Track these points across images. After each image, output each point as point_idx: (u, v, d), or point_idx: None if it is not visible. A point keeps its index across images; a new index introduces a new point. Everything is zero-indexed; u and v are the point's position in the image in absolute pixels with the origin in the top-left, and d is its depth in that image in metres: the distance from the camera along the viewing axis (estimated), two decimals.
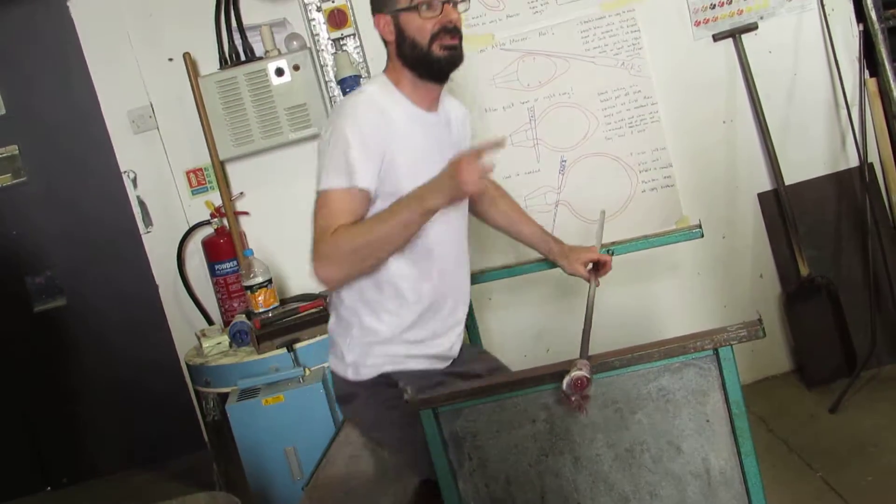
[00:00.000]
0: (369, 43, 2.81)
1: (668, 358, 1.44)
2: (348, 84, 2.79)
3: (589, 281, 1.95)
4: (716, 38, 2.84)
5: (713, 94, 2.86)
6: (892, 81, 2.79)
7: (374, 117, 1.66)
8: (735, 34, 2.82)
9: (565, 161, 2.86)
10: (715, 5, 2.84)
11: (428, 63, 1.72)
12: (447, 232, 1.78)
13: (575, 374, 1.38)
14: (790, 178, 2.83)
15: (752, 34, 2.83)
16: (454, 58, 1.73)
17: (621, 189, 2.86)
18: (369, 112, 1.67)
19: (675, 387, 1.45)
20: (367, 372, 1.76)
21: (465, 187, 1.56)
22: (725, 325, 1.42)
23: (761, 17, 2.83)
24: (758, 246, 2.91)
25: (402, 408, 1.53)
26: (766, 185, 2.87)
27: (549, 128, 2.85)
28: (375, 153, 1.65)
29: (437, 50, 1.70)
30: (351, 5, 2.80)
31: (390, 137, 1.67)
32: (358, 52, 2.82)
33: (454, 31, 1.71)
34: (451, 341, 1.81)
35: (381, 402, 1.77)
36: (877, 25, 2.80)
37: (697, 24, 2.86)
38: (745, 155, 2.86)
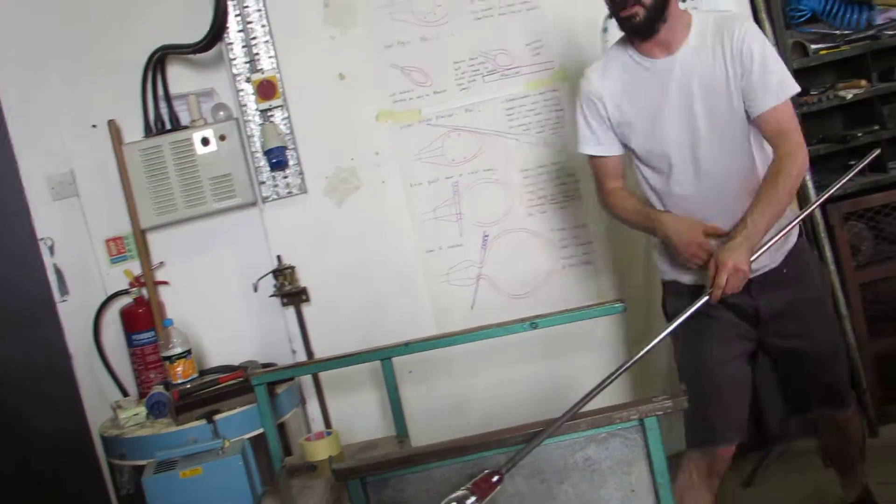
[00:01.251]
0: (297, 114, 3.24)
1: (594, 428, 1.69)
2: (275, 155, 3.22)
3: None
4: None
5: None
6: None
7: None
8: None
9: (487, 236, 3.31)
10: None
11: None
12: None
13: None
14: None
15: None
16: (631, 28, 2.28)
17: (541, 265, 3.31)
18: None
19: (601, 457, 1.70)
20: None
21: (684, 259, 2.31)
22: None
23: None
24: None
25: None
26: None
27: (473, 203, 3.29)
28: None
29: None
30: (280, 77, 3.24)
31: None
32: (285, 124, 3.25)
33: (622, 4, 2.24)
34: None
35: None
36: None
37: None
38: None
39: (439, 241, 3.31)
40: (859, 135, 3.45)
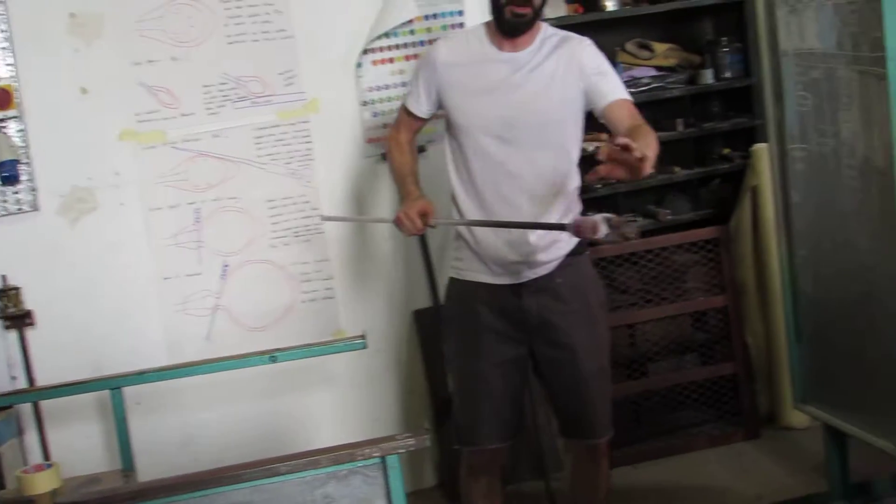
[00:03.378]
0: (34, 127, 3.79)
1: (335, 465, 1.99)
2: (6, 169, 3.81)
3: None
4: (385, 156, 4.20)
5: (379, 211, 4.21)
6: None
7: None
8: None
9: (228, 266, 4.04)
10: (387, 125, 4.20)
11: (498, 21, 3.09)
12: None
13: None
14: None
15: (421, 155, 4.22)
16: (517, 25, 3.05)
17: (282, 298, 4.06)
18: None
19: (340, 494, 1.97)
20: None
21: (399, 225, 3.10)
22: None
23: (430, 141, 4.23)
24: (412, 362, 4.22)
25: None
26: (423, 302, 4.25)
27: (215, 231, 3.98)
28: None
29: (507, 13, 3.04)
30: (18, 86, 3.82)
31: None
32: (21, 137, 3.83)
33: (523, 2, 3.00)
34: None
35: None
36: None
37: (369, 140, 4.21)
38: (404, 272, 4.20)
39: (177, 268, 3.98)
40: (598, 187, 4.49)
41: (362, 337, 3.41)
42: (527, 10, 3.07)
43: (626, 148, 2.60)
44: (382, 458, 2.06)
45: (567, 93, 3.13)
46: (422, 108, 3.32)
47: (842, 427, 3.73)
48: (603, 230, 2.75)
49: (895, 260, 3.22)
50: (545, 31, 3.20)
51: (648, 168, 2.66)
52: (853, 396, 3.65)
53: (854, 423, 3.66)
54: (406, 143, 3.41)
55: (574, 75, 3.12)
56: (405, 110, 3.38)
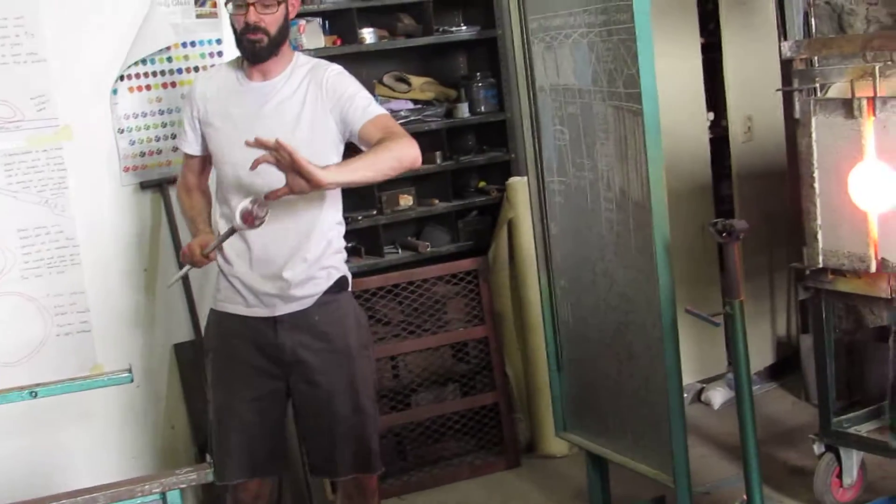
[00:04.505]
0: None
1: (114, 502, 2.15)
2: None
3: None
4: (143, 185, 4.59)
5: (139, 241, 4.58)
6: None
7: None
8: (163, 183, 4.59)
9: None
10: (144, 153, 4.59)
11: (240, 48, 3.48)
12: None
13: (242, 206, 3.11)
14: None
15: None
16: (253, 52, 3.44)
17: (35, 331, 4.31)
18: None
19: None
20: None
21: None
22: (138, 475, 2.52)
23: None
24: (172, 397, 4.59)
25: None
26: (184, 335, 4.63)
27: None
28: None
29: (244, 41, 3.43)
30: None
31: None
32: None
33: (253, 29, 3.37)
34: None
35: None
36: None
37: (126, 169, 4.57)
38: (164, 304, 4.57)
39: None
40: (359, 218, 5.03)
41: (128, 371, 3.66)
42: (259, 37, 3.46)
43: (276, 147, 3.05)
44: (163, 493, 2.22)
45: (320, 122, 3.46)
46: (192, 145, 3.72)
47: (602, 453, 4.33)
48: (260, 213, 3.27)
49: (652, 290, 3.79)
50: (297, 59, 3.60)
51: (311, 168, 3.06)
52: (613, 423, 4.24)
53: (614, 449, 4.26)
54: (194, 186, 3.80)
55: (325, 104, 3.44)
56: (183, 152, 3.78)
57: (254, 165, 3.18)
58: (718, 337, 5.44)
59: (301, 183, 3.10)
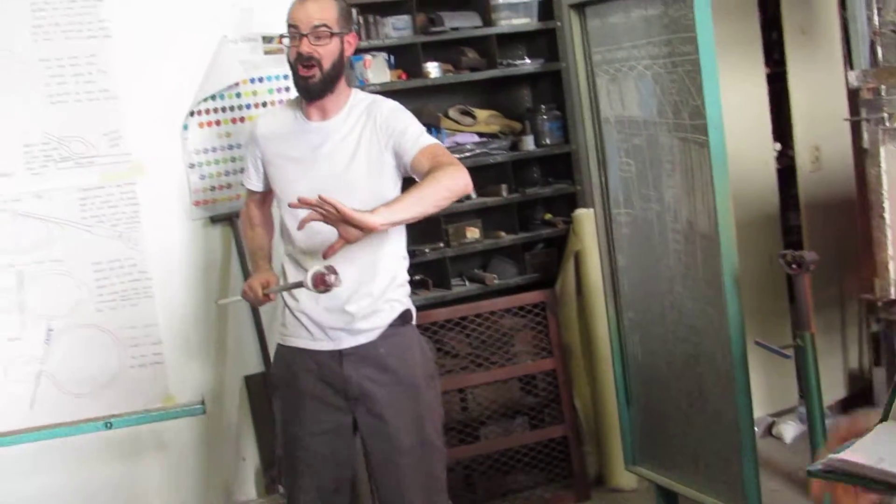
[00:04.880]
0: None
1: None
2: None
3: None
4: (214, 219, 4.65)
5: (209, 273, 4.64)
6: None
7: None
8: (233, 217, 4.65)
9: (52, 330, 4.36)
10: (214, 188, 4.66)
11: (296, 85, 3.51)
12: None
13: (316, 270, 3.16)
14: None
15: None
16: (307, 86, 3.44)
17: (109, 363, 4.35)
18: None
19: None
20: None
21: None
22: None
23: None
24: (243, 428, 4.62)
25: None
26: (254, 367, 4.67)
27: (38, 294, 4.25)
28: None
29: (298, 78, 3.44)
30: None
31: None
32: None
33: (306, 61, 3.39)
34: None
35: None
36: None
37: (196, 203, 4.64)
38: (235, 336, 4.61)
39: None
40: (427, 251, 5.05)
41: (201, 402, 3.79)
42: (312, 73, 3.49)
43: (320, 204, 3.06)
44: None
45: (376, 159, 3.47)
46: (253, 182, 3.79)
47: (672, 486, 4.29)
48: (332, 280, 3.29)
49: (721, 321, 3.78)
50: (354, 96, 3.61)
51: (359, 216, 3.07)
52: (683, 456, 4.20)
53: (684, 483, 4.23)
54: (256, 215, 3.88)
55: (381, 139, 3.45)
56: (246, 188, 3.85)
57: (301, 225, 3.23)
58: (789, 369, 5.37)
59: (354, 231, 3.13)
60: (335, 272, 3.28)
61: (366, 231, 3.12)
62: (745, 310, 3.79)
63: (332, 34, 3.48)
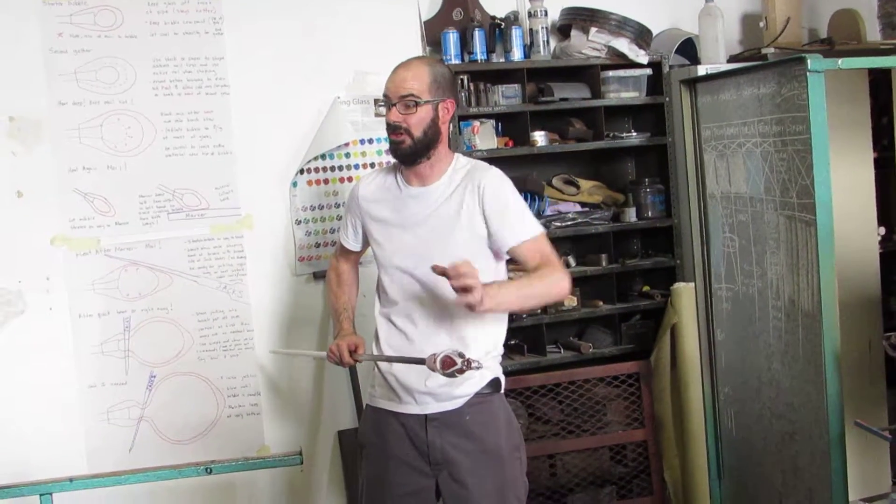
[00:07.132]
0: None
1: None
2: None
3: None
4: (316, 275, 4.69)
5: (309, 328, 4.67)
6: None
7: None
8: None
9: (154, 377, 4.44)
10: (319, 244, 4.71)
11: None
12: None
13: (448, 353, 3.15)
14: None
15: None
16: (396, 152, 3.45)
17: (208, 411, 4.43)
18: None
19: None
20: None
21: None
22: None
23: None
24: (333, 482, 4.62)
25: None
26: (347, 423, 4.68)
27: (143, 341, 4.34)
28: None
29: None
30: None
31: None
32: None
33: (394, 129, 3.40)
34: None
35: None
36: None
37: (301, 259, 4.69)
38: (330, 391, 4.63)
39: (103, 376, 4.31)
40: (524, 317, 5.02)
41: (299, 453, 3.77)
42: (401, 139, 3.48)
43: (444, 275, 3.09)
44: None
45: (473, 228, 3.44)
46: (350, 241, 3.78)
47: None
48: (459, 366, 3.26)
49: (819, 400, 3.72)
50: (456, 161, 3.59)
51: (472, 296, 3.09)
52: None
53: None
54: (346, 271, 3.86)
55: (479, 209, 3.43)
56: (341, 244, 3.84)
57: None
58: (883, 454, 5.23)
59: (463, 301, 3.15)
60: (462, 356, 3.27)
61: (468, 308, 3.17)
62: (843, 391, 3.69)
63: (421, 103, 3.47)
